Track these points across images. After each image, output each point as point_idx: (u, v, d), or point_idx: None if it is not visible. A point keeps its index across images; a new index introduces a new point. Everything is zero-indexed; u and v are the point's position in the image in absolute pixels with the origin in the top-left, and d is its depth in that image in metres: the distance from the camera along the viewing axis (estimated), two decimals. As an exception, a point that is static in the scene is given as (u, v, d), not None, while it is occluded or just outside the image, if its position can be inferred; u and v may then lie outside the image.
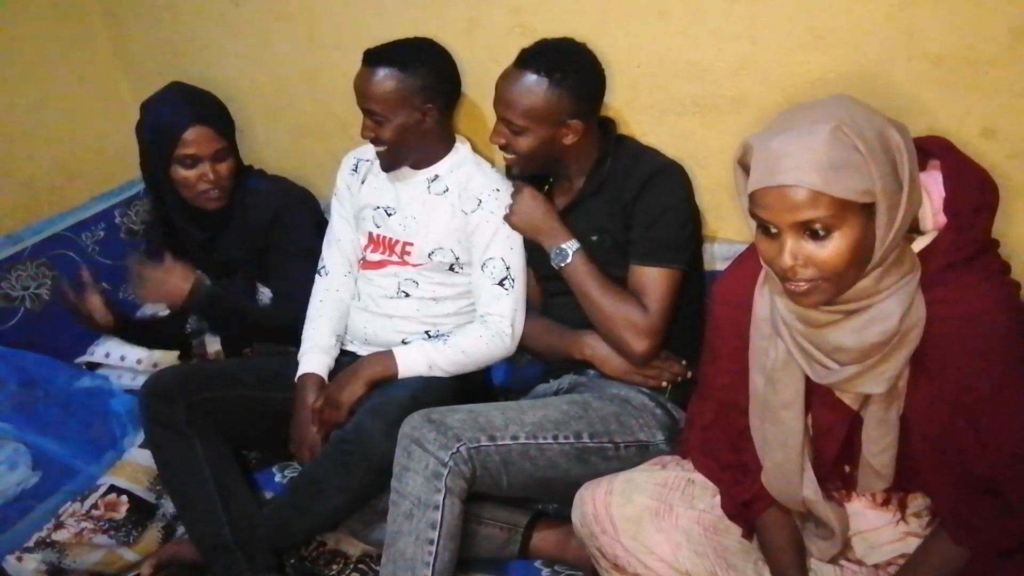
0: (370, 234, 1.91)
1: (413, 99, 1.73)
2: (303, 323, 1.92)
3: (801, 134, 1.05)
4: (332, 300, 1.93)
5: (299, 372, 1.85)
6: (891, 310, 1.10)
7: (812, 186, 1.03)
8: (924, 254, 1.13)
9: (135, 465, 1.85)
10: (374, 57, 1.73)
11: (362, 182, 1.94)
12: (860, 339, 1.12)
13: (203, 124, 1.89)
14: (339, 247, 1.95)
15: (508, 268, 1.76)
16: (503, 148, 1.65)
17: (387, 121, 1.72)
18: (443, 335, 1.79)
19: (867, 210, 1.05)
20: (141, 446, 1.88)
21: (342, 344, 1.94)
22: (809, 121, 1.06)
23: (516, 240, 1.77)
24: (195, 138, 1.88)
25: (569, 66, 1.58)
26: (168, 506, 1.83)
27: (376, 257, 1.90)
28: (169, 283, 1.88)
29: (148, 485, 1.84)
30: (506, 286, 1.75)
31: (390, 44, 1.75)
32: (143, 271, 1.91)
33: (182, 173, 1.90)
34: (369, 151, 1.93)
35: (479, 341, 1.74)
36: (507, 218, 1.73)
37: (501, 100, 1.61)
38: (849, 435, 1.23)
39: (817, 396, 1.23)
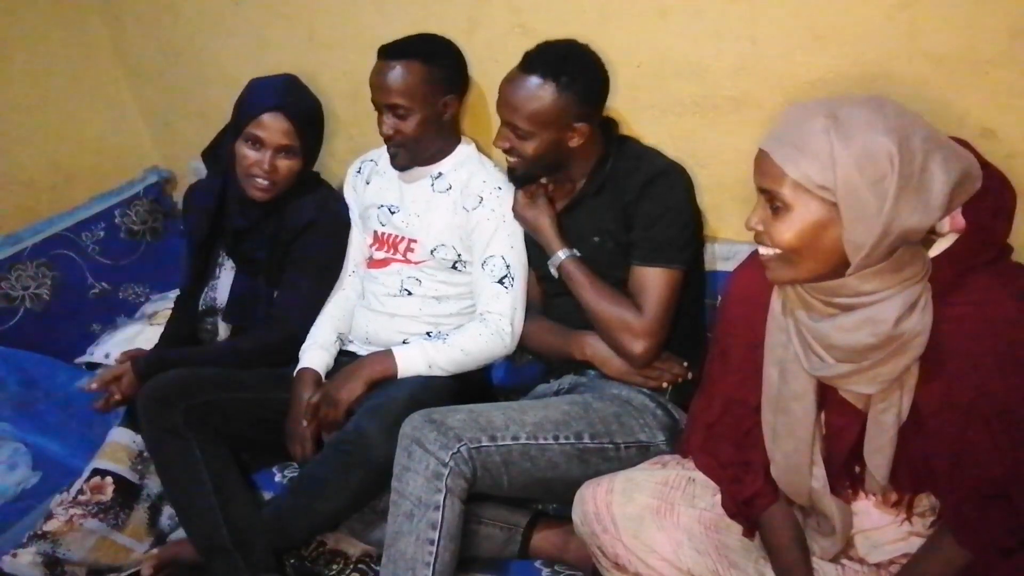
0: (375, 232, 1.92)
1: (436, 90, 1.74)
2: (297, 337, 1.91)
3: (806, 115, 1.09)
4: (335, 299, 1.95)
5: (298, 367, 1.85)
6: (886, 313, 1.09)
7: (774, 156, 1.09)
8: (943, 257, 1.12)
9: (116, 445, 1.84)
10: (394, 50, 1.72)
11: (367, 182, 1.95)
12: (850, 338, 1.12)
13: (284, 114, 1.83)
14: (349, 247, 1.98)
15: (508, 266, 1.76)
16: (507, 152, 1.64)
17: (411, 114, 1.72)
18: (443, 334, 1.80)
19: (836, 209, 1.07)
20: (119, 424, 1.86)
21: (342, 344, 1.94)
22: (825, 108, 1.09)
23: (517, 239, 1.78)
24: (270, 123, 1.82)
25: (575, 69, 1.56)
26: (152, 486, 1.83)
27: (381, 255, 1.91)
28: (122, 382, 1.85)
29: (130, 464, 1.83)
30: (506, 284, 1.75)
31: (404, 39, 1.76)
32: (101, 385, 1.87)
33: (243, 150, 1.84)
34: (375, 153, 1.93)
35: (479, 339, 1.74)
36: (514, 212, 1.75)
37: (506, 104, 1.59)
38: (861, 436, 1.22)
39: (831, 396, 1.23)
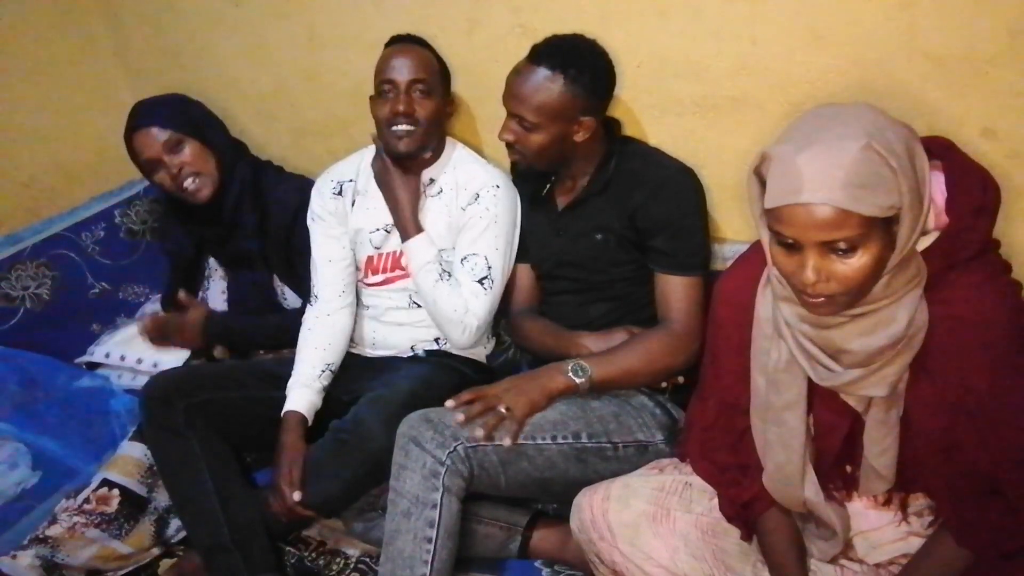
0: (369, 258, 1.88)
1: (444, 83, 1.79)
2: None
3: (829, 150, 1.01)
4: (321, 328, 1.85)
5: (284, 408, 1.77)
6: (899, 315, 1.10)
7: (840, 205, 0.99)
8: (926, 254, 1.13)
9: (127, 458, 1.85)
10: (409, 37, 1.78)
11: (352, 205, 1.89)
12: (866, 343, 1.11)
13: (139, 129, 1.92)
14: (330, 269, 1.88)
15: (490, 268, 1.75)
16: (511, 145, 1.63)
17: (432, 92, 1.73)
18: (446, 274, 1.76)
19: (890, 221, 1.04)
20: (131, 438, 1.88)
21: (331, 375, 1.85)
22: (836, 136, 1.02)
23: (504, 241, 1.76)
24: (140, 145, 1.93)
25: (583, 61, 1.56)
26: (160, 500, 1.83)
27: (379, 278, 1.88)
28: (187, 330, 2.00)
29: (140, 478, 1.84)
30: (485, 286, 1.74)
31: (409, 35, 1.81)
32: (158, 324, 2.04)
33: (156, 179, 1.96)
34: (349, 171, 1.90)
35: (453, 314, 1.73)
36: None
37: (514, 95, 1.57)
38: (850, 435, 1.22)
39: (819, 397, 1.22)
